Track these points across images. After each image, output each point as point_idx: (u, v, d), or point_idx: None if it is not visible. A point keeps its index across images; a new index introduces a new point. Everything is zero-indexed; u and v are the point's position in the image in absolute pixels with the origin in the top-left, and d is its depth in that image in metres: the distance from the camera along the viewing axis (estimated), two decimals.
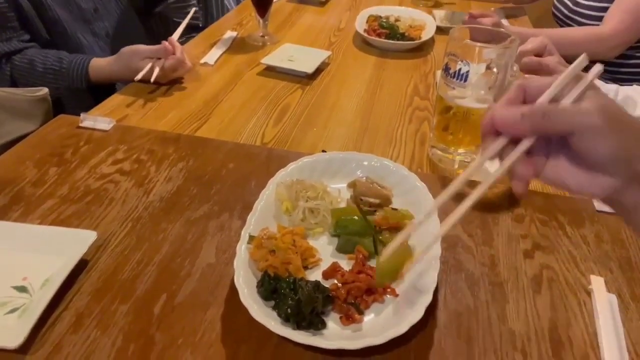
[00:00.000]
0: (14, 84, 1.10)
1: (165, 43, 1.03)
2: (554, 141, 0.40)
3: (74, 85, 1.08)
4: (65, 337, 0.53)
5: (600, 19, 1.38)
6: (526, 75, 1.06)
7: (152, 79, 1.01)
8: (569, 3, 1.52)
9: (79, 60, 1.07)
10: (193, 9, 1.28)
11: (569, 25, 1.50)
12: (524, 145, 0.40)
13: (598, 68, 0.41)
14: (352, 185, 0.71)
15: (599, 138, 0.38)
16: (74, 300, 0.57)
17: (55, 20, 1.13)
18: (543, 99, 0.40)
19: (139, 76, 1.00)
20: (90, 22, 1.21)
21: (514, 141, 0.40)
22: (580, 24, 1.47)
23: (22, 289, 0.57)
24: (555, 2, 1.60)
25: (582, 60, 0.42)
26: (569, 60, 1.24)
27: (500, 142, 0.41)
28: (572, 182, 0.41)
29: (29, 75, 1.08)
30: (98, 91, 1.11)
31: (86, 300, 0.57)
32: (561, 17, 1.56)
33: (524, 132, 0.39)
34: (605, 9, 1.37)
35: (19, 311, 0.54)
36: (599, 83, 1.06)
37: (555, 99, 0.40)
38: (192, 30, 1.54)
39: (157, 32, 1.64)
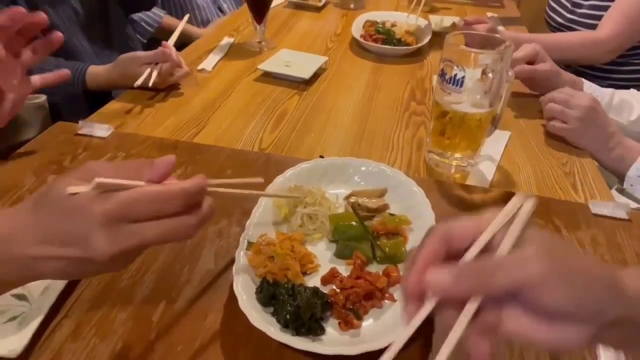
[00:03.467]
0: None
1: (161, 48, 1.04)
2: (502, 296, 0.34)
3: (69, 91, 1.08)
4: (64, 345, 0.53)
5: (594, 27, 1.38)
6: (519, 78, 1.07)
7: (150, 84, 1.01)
8: (563, 12, 1.52)
9: (77, 67, 1.07)
10: (187, 15, 1.28)
11: None
12: (470, 308, 0.33)
13: (530, 204, 0.37)
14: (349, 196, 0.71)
15: (552, 291, 0.32)
16: (73, 308, 0.57)
17: (52, 25, 1.13)
18: (474, 249, 0.35)
19: (139, 82, 1.00)
20: (86, 27, 1.21)
21: (451, 303, 0.34)
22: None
23: (21, 297, 0.57)
24: (549, 11, 1.61)
25: (516, 202, 0.37)
26: (562, 65, 1.25)
27: (428, 306, 0.34)
28: (539, 336, 0.33)
29: None
30: (93, 98, 1.11)
31: (85, 307, 0.57)
32: (555, 25, 1.56)
33: (464, 295, 0.34)
34: (600, 17, 1.37)
35: (19, 319, 0.54)
36: (594, 87, 1.07)
37: (488, 247, 0.35)
38: None
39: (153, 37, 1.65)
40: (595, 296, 0.33)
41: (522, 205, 0.36)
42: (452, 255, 0.36)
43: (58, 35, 0.70)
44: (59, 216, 0.39)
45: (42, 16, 0.66)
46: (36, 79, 0.74)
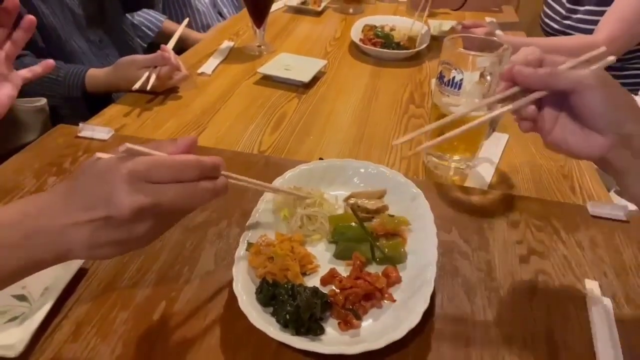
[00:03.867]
0: None
1: (160, 51, 1.04)
2: (561, 105, 0.50)
3: (69, 94, 1.08)
4: (65, 346, 0.53)
5: (590, 32, 1.39)
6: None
7: (149, 87, 1.02)
8: (558, 18, 1.53)
9: (76, 70, 1.08)
10: (186, 19, 1.29)
11: None
12: (535, 95, 0.51)
13: (611, 58, 0.52)
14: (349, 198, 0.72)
15: (593, 95, 0.48)
16: (74, 308, 0.57)
17: (50, 27, 1.14)
18: (559, 68, 0.51)
19: (137, 85, 1.01)
20: (84, 29, 1.22)
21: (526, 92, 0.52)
22: None
23: (21, 298, 0.57)
24: (544, 18, 1.61)
25: (601, 52, 0.54)
26: None
27: (513, 89, 0.53)
28: (572, 140, 0.50)
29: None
30: (93, 101, 1.11)
31: (86, 308, 0.57)
32: (550, 31, 1.57)
33: (534, 84, 0.51)
34: (596, 22, 1.38)
35: (19, 320, 0.55)
36: None
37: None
38: None
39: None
40: (619, 108, 0.48)
41: (605, 57, 0.53)
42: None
43: (28, 18, 0.71)
44: (86, 180, 0.43)
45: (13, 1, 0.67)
46: (24, 72, 0.75)
